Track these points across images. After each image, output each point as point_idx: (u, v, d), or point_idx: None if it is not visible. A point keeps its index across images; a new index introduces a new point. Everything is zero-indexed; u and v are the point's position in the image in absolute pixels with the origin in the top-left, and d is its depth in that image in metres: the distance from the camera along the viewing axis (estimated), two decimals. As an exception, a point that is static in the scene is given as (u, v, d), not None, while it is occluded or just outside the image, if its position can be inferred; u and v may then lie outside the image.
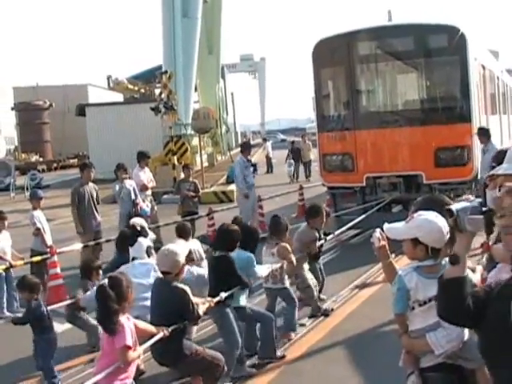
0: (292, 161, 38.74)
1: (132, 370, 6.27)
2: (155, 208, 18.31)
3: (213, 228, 16.64)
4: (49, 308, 9.81)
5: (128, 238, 10.38)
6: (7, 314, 12.26)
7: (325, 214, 11.47)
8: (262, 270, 9.32)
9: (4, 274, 12.50)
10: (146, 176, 18.07)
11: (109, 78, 70.81)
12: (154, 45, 58.49)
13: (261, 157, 45.66)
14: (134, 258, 9.00)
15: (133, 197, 16.42)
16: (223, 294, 8.02)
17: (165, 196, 27.50)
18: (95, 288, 8.67)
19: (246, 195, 18.62)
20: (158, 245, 16.62)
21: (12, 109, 69.52)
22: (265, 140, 51.03)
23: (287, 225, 10.30)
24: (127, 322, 6.22)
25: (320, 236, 11.34)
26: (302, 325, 10.43)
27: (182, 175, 21.24)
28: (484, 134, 16.19)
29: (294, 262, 9.94)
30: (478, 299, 3.28)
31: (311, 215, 11.26)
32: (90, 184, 15.27)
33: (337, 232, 13.32)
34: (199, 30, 36.54)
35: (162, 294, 7.16)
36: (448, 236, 4.68)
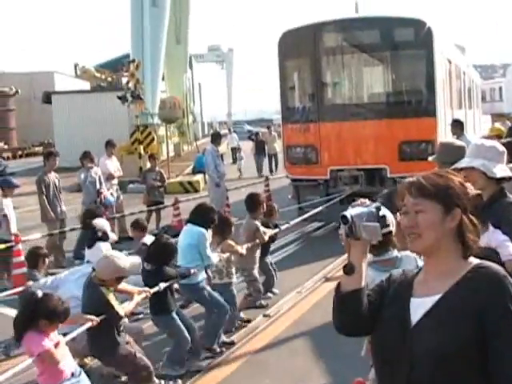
0: (243, 154, 37.61)
1: (65, 364, 6.20)
2: (121, 197, 18.36)
3: (178, 218, 16.67)
4: (3, 294, 9.89)
5: (93, 214, 10.38)
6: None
7: (265, 206, 11.38)
8: (215, 256, 9.30)
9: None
10: (113, 165, 18.13)
11: (76, 65, 70.24)
12: (121, 33, 58.25)
13: (227, 148, 45.24)
14: (88, 261, 8.60)
15: (97, 186, 16.39)
16: (162, 285, 7.94)
17: (130, 185, 27.47)
18: (42, 281, 8.68)
19: (217, 184, 18.68)
20: (123, 234, 16.76)
21: (-23, 95, 68.85)
22: (229, 131, 50.16)
23: (230, 223, 10.25)
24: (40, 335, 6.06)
25: (269, 227, 11.34)
26: (266, 315, 10.53)
27: (148, 165, 21.20)
28: (457, 125, 16.07)
29: (243, 251, 9.94)
30: (374, 304, 3.15)
31: (249, 204, 11.09)
32: (53, 173, 15.23)
33: (292, 222, 13.33)
34: (167, 20, 36.28)
35: (85, 292, 7.16)
36: (394, 228, 4.75)
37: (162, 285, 7.93)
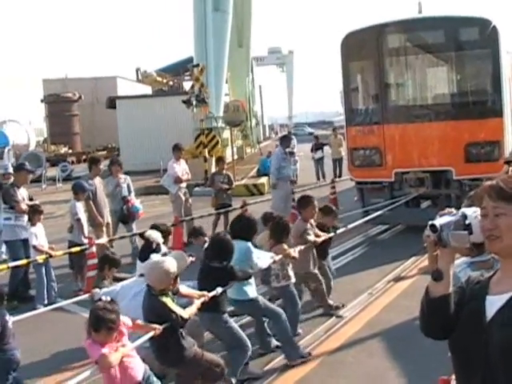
0: (297, 158, 34.77)
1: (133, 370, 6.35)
2: (189, 200, 18.51)
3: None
4: (76, 299, 10.09)
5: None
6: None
7: (329, 211, 11.36)
8: (264, 261, 9.19)
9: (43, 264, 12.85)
10: (181, 168, 18.25)
11: (138, 70, 71.18)
12: (181, 38, 58.79)
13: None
14: (142, 275, 8.24)
15: (125, 193, 16.15)
16: (219, 289, 7.90)
17: (196, 188, 27.66)
18: (103, 290, 8.72)
19: (273, 185, 18.96)
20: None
21: (42, 101, 69.95)
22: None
23: (288, 227, 10.07)
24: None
25: (327, 230, 11.26)
26: (339, 316, 10.60)
27: (213, 168, 21.29)
28: None
29: (296, 255, 9.76)
30: (456, 305, 3.19)
31: (301, 206, 10.96)
32: (97, 178, 15.43)
33: (350, 226, 13.16)
34: (230, 24, 36.59)
35: (146, 304, 7.12)
36: None
37: (219, 289, 7.91)
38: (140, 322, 6.89)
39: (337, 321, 10.41)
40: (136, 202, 16.35)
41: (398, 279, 12.81)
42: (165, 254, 9.30)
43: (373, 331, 9.88)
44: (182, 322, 6.99)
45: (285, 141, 20.13)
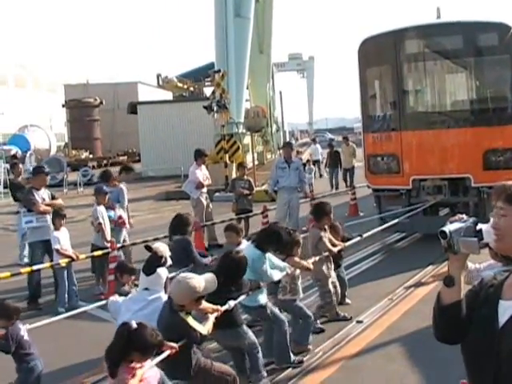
0: (313, 167, 35.11)
1: None
2: (210, 205, 18.64)
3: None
4: (100, 304, 10.17)
5: None
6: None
7: (333, 227, 11.23)
8: (277, 273, 9.18)
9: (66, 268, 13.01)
10: (202, 174, 18.33)
11: (159, 76, 71.42)
12: (202, 44, 58.79)
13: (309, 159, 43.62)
14: (146, 289, 8.16)
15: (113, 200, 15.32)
16: (231, 303, 7.83)
17: (216, 194, 27.69)
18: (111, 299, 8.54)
19: (270, 196, 19.30)
20: (213, 242, 16.93)
21: (63, 106, 70.46)
22: (314, 141, 47.65)
23: (293, 240, 9.82)
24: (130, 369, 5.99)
25: (343, 239, 11.36)
26: (360, 321, 10.66)
27: (234, 174, 21.23)
28: None
29: (310, 266, 9.83)
30: (468, 309, 3.25)
31: (315, 215, 10.93)
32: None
33: (365, 234, 13.02)
34: (251, 30, 36.62)
35: (164, 319, 6.94)
36: None
37: (232, 302, 7.86)
38: None
39: (357, 326, 10.48)
40: (116, 210, 15.28)
41: (417, 285, 12.81)
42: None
43: (392, 336, 9.93)
44: (201, 339, 6.93)
45: (285, 149, 19.23)
